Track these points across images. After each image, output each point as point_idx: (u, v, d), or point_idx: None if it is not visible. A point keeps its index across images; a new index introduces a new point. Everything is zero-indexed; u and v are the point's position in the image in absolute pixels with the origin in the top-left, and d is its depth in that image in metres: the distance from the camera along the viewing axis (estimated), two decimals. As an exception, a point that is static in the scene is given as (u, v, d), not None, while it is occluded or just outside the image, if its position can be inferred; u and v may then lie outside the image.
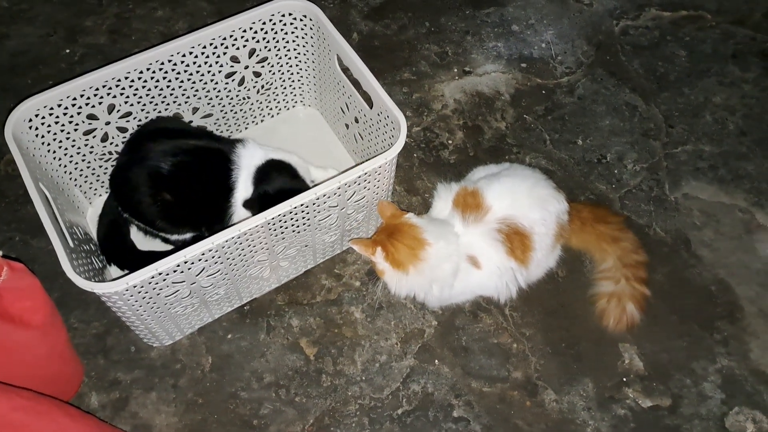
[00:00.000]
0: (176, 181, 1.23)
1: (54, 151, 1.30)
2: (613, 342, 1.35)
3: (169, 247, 1.39)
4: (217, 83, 1.42)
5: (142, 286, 1.07)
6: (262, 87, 1.52)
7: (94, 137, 1.35)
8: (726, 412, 1.29)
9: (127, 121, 1.37)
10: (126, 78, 1.28)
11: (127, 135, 1.38)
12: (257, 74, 1.48)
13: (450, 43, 1.79)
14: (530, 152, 1.60)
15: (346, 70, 1.36)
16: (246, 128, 1.60)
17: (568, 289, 1.41)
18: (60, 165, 1.33)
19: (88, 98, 1.27)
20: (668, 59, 1.77)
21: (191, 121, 1.47)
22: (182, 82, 1.37)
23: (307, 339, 1.35)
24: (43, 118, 1.24)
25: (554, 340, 1.35)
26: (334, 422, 1.26)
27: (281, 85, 1.56)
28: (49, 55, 1.71)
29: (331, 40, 1.35)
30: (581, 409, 1.28)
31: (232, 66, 1.41)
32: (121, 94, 1.31)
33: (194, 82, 1.39)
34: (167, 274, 1.08)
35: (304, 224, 1.21)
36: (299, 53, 1.49)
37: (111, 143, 1.38)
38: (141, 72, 1.29)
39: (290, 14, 1.39)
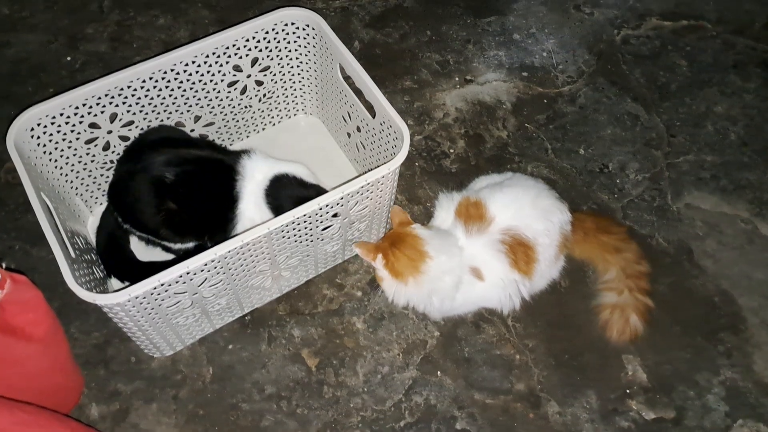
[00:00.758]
0: (180, 190, 1.22)
1: (55, 160, 1.30)
2: (617, 353, 1.34)
3: (170, 257, 1.38)
4: (219, 92, 1.42)
5: (144, 297, 1.06)
6: (264, 95, 1.51)
7: (95, 146, 1.34)
8: (730, 425, 1.28)
9: (129, 130, 1.36)
10: (129, 87, 1.28)
11: (129, 144, 1.37)
12: (259, 83, 1.47)
13: (451, 51, 1.79)
14: (532, 161, 1.60)
15: (347, 79, 1.36)
16: (247, 136, 1.59)
17: (571, 299, 1.40)
18: (61, 173, 1.33)
19: (91, 107, 1.26)
20: (669, 69, 1.77)
21: (193, 130, 1.46)
22: (185, 90, 1.37)
23: (308, 350, 1.34)
24: (45, 126, 1.23)
25: (557, 352, 1.35)
26: (336, 434, 1.26)
27: (283, 94, 1.55)
28: (50, 62, 1.71)
29: (333, 50, 1.34)
30: (585, 422, 1.28)
31: (234, 75, 1.41)
32: (124, 102, 1.30)
33: (196, 91, 1.38)
34: (169, 285, 1.07)
35: (306, 234, 1.21)
36: (301, 62, 1.49)
37: (113, 152, 1.38)
38: (144, 81, 1.29)
39: (293, 23, 1.38)
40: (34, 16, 1.80)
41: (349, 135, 1.50)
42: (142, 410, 1.26)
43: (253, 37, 1.36)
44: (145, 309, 1.09)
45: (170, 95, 1.36)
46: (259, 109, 1.54)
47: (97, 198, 1.45)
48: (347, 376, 1.31)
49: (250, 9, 1.83)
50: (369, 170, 1.17)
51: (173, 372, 1.30)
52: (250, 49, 1.38)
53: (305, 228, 1.18)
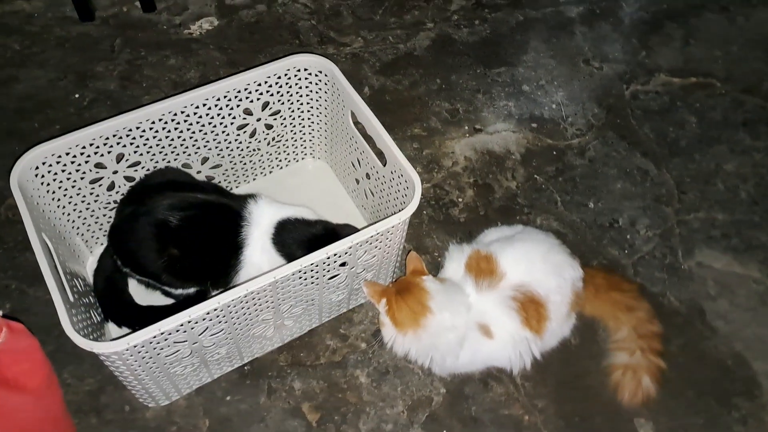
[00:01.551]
0: (184, 235, 1.19)
1: (58, 199, 1.27)
2: (629, 417, 1.30)
3: (169, 301, 1.34)
4: (228, 134, 1.40)
5: (142, 346, 1.02)
6: (273, 139, 1.50)
7: (100, 186, 1.32)
8: (746, 496, 1.23)
9: (135, 171, 1.34)
10: (138, 127, 1.26)
11: (133, 184, 1.35)
12: (269, 126, 1.46)
13: (461, 100, 1.79)
14: (541, 213, 1.58)
15: (357, 123, 1.35)
16: (254, 179, 1.57)
17: (582, 358, 1.36)
18: (63, 212, 1.30)
19: (98, 147, 1.24)
20: (679, 125, 1.77)
21: (199, 172, 1.44)
22: (193, 132, 1.35)
23: (309, 403, 1.29)
24: (51, 165, 1.21)
25: (567, 413, 1.30)
26: (336, 494, 1.20)
27: (292, 138, 1.54)
28: (58, 99, 1.69)
29: (345, 97, 1.33)
30: (595, 488, 1.23)
31: (244, 118, 1.39)
32: (132, 143, 1.28)
33: (206, 133, 1.37)
34: (169, 334, 1.03)
35: (313, 283, 1.18)
36: (312, 107, 1.48)
37: (117, 192, 1.35)
38: (153, 122, 1.27)
39: (305, 69, 1.38)
40: (45, 53, 1.80)
41: (357, 181, 1.48)
42: (134, 463, 1.21)
43: (266, 82, 1.36)
44: (143, 358, 1.05)
45: (179, 137, 1.34)
46: (267, 152, 1.52)
47: (98, 238, 1.42)
48: (349, 432, 1.26)
49: (261, 52, 1.83)
50: (377, 218, 1.15)
51: (168, 423, 1.25)
52: (261, 93, 1.37)
53: (312, 277, 1.15)
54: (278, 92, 1.40)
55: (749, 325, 1.43)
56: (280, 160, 1.58)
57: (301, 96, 1.44)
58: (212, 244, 1.23)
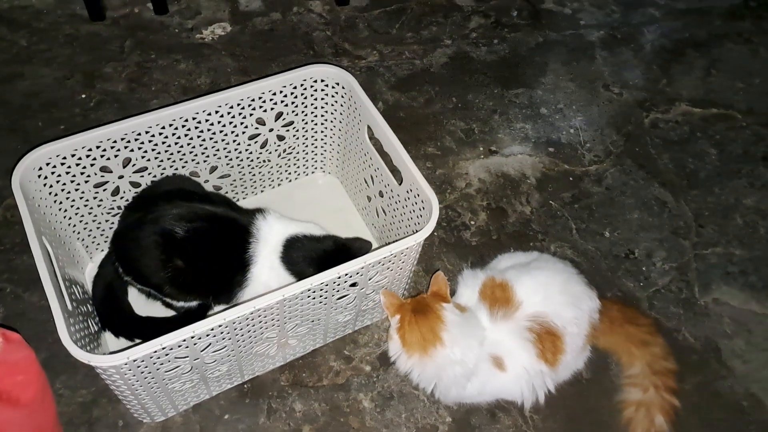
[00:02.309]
0: (190, 247, 1.14)
1: (60, 202, 1.22)
2: (641, 457, 1.25)
3: (170, 313, 1.29)
4: (239, 144, 1.36)
5: (142, 360, 0.97)
6: (284, 151, 1.46)
7: (104, 190, 1.27)
8: None
9: (141, 176, 1.30)
10: (147, 132, 1.22)
11: (140, 190, 1.31)
12: (281, 137, 1.42)
13: (477, 120, 1.75)
14: (555, 241, 1.53)
15: (372, 138, 1.31)
16: (262, 191, 1.53)
17: (593, 392, 1.31)
18: (65, 216, 1.25)
19: (104, 150, 1.20)
20: (698, 156, 1.73)
21: (207, 181, 1.40)
22: (204, 140, 1.31)
23: (310, 426, 1.24)
24: (54, 167, 1.16)
25: (578, 450, 1.25)
26: None
27: (303, 150, 1.50)
28: (64, 98, 1.65)
29: (363, 110, 1.30)
30: None
31: (256, 128, 1.35)
32: (139, 148, 1.24)
33: (216, 142, 1.33)
34: (171, 349, 0.99)
35: (321, 303, 1.13)
36: (326, 120, 1.44)
37: (121, 197, 1.31)
38: (163, 127, 1.23)
39: (323, 80, 1.34)
40: (52, 50, 1.76)
41: (369, 198, 1.43)
42: (124, 482, 1.16)
43: (281, 91, 1.32)
44: (142, 372, 1.00)
45: (188, 144, 1.30)
46: (277, 164, 1.48)
47: (99, 244, 1.37)
48: (350, 459, 1.21)
49: (274, 61, 1.79)
50: (387, 237, 1.11)
51: (162, 441, 1.20)
52: (276, 103, 1.33)
53: (321, 296, 1.11)
54: (293, 102, 1.36)
55: (766, 365, 1.39)
56: (290, 173, 1.54)
57: (316, 108, 1.40)
58: (219, 259, 1.18)
